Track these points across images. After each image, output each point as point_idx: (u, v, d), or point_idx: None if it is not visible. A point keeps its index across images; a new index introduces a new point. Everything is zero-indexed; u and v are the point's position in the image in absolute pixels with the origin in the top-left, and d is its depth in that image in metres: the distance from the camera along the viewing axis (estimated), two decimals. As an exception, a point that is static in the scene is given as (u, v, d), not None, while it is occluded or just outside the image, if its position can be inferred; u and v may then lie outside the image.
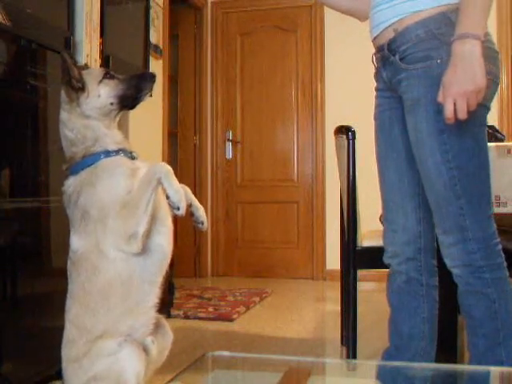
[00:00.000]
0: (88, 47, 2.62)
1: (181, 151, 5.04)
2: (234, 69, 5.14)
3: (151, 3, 3.51)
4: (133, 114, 3.58)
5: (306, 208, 4.98)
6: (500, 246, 1.48)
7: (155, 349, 1.52)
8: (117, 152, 1.50)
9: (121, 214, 1.41)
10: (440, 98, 1.35)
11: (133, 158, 1.53)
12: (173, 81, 4.82)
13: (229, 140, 5.10)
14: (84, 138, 1.50)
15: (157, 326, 1.54)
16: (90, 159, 1.48)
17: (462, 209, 1.44)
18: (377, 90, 1.67)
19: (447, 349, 1.93)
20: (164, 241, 1.49)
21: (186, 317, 3.35)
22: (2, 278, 1.88)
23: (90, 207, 1.43)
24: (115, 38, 2.91)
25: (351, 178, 2.24)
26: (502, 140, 2.24)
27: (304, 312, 3.63)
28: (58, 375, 1.51)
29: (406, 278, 1.63)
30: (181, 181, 1.54)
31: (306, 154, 4.97)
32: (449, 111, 1.33)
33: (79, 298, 1.48)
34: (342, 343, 2.72)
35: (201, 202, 1.54)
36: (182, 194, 1.41)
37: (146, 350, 1.50)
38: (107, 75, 1.54)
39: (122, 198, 1.42)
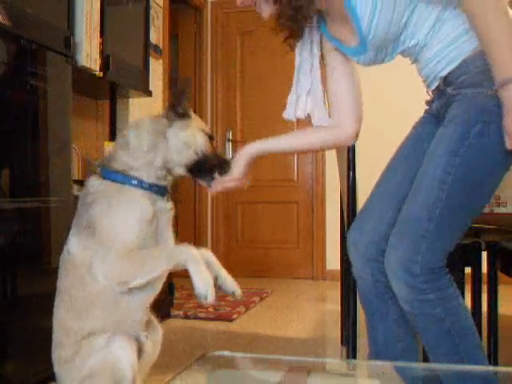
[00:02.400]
0: (88, 47, 2.62)
1: (181, 151, 5.04)
2: (234, 69, 5.14)
3: (151, 3, 3.51)
4: (133, 113, 3.58)
5: (306, 208, 4.98)
6: (445, 271, 1.42)
7: (150, 345, 1.53)
8: (149, 186, 1.47)
9: (123, 258, 1.39)
10: (509, 146, 1.32)
11: (163, 194, 1.50)
12: (173, 81, 4.82)
13: (229, 140, 5.09)
14: (139, 150, 1.47)
15: (146, 324, 1.55)
16: (121, 176, 1.46)
17: (428, 232, 1.39)
18: (426, 112, 1.64)
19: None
20: None
21: (186, 317, 3.35)
22: (1, 278, 1.88)
23: (98, 225, 1.41)
24: (115, 37, 2.91)
25: (351, 178, 2.24)
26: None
27: (304, 312, 3.63)
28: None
29: (371, 280, 1.58)
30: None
31: (306, 154, 4.96)
32: None
33: (65, 300, 1.48)
34: (341, 343, 2.72)
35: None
36: (211, 283, 1.35)
37: (140, 345, 1.51)
38: (210, 136, 1.56)
39: (130, 241, 1.39)
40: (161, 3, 3.95)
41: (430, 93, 1.59)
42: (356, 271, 1.64)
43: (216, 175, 1.56)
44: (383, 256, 1.50)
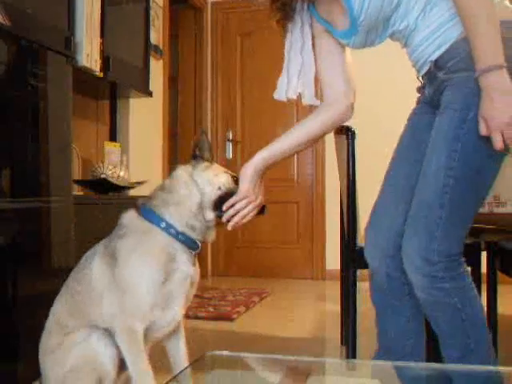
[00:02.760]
0: (88, 47, 2.63)
1: (181, 151, 5.04)
2: (234, 69, 5.14)
3: (151, 3, 3.51)
4: (133, 113, 3.59)
5: (306, 208, 4.98)
6: (462, 260, 1.45)
7: None
8: (176, 233, 1.47)
9: (127, 334, 1.42)
10: (484, 132, 1.34)
11: (190, 248, 1.49)
12: (173, 81, 4.83)
13: (229, 140, 5.10)
14: (172, 188, 1.50)
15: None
16: (152, 216, 1.48)
17: (440, 218, 1.41)
18: (419, 101, 1.66)
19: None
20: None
21: (186, 317, 3.32)
22: (1, 278, 1.89)
23: (119, 261, 1.44)
24: (115, 38, 2.92)
25: (351, 178, 2.24)
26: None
27: (304, 312, 3.63)
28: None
29: (386, 277, 1.60)
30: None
31: (306, 153, 4.96)
32: (499, 142, 1.32)
33: (67, 298, 1.53)
34: (341, 343, 2.72)
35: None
36: None
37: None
38: (236, 178, 1.56)
39: (142, 295, 1.42)
40: (161, 3, 3.96)
41: (421, 78, 1.60)
42: (372, 267, 1.65)
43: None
44: (400, 252, 1.52)
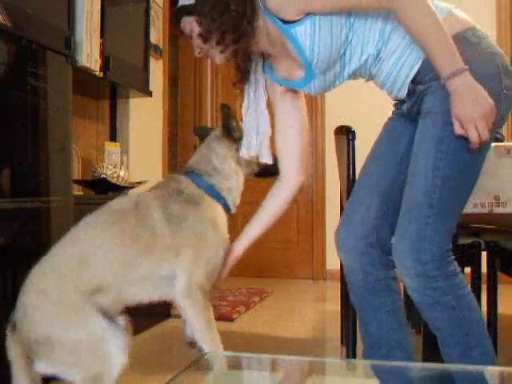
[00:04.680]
0: (88, 47, 2.63)
1: (181, 151, 5.04)
2: (234, 69, 5.13)
3: (151, 3, 3.51)
4: (133, 113, 3.59)
5: (306, 208, 4.98)
6: (452, 258, 1.47)
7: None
8: (229, 210, 1.70)
9: (199, 298, 1.61)
10: (459, 131, 1.37)
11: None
12: (173, 81, 4.83)
13: (229, 140, 5.09)
14: (227, 177, 1.69)
15: None
16: (214, 192, 1.66)
17: (429, 217, 1.43)
18: (394, 113, 1.69)
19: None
20: None
21: (186, 317, 3.34)
22: (2, 278, 1.89)
23: (191, 236, 1.56)
24: (115, 38, 2.92)
25: (351, 178, 2.24)
26: (501, 140, 2.24)
27: (304, 312, 3.63)
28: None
29: (362, 274, 1.62)
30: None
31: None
32: (474, 136, 1.35)
33: (116, 235, 1.55)
34: (341, 343, 2.72)
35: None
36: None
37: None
38: None
39: (212, 266, 1.63)
40: (161, 3, 3.96)
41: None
42: (346, 266, 1.68)
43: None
44: (373, 248, 1.58)
